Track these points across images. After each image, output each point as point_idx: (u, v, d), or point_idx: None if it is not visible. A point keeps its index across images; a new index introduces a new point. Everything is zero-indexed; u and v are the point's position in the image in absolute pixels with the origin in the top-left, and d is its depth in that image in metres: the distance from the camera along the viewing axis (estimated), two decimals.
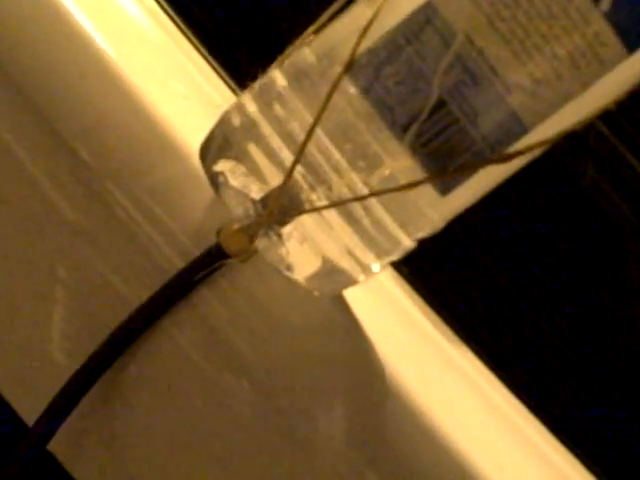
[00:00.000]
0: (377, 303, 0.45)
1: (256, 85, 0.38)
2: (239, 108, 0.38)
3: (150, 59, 0.46)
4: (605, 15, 0.34)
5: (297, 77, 0.37)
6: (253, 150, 0.37)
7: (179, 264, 0.41)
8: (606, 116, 0.36)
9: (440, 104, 0.35)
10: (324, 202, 0.37)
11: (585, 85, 0.35)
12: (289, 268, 0.38)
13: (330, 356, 0.42)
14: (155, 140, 0.42)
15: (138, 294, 0.41)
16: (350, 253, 0.38)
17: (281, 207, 0.37)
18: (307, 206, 0.37)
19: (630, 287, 0.53)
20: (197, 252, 0.40)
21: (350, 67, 0.36)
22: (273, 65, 0.38)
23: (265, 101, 0.37)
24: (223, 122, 0.38)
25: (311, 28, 0.38)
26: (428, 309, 0.50)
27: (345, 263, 0.38)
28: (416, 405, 0.41)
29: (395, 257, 0.38)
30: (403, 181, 0.36)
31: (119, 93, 0.42)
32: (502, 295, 0.53)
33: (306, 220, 0.37)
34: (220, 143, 0.38)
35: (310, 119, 0.36)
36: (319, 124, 0.36)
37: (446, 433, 0.41)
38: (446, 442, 0.41)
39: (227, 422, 0.41)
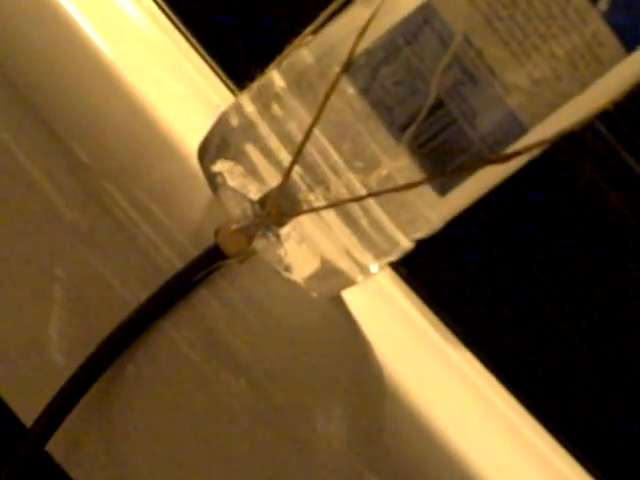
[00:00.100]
0: (375, 303, 0.45)
1: (254, 86, 0.38)
2: (237, 108, 0.38)
3: (148, 59, 0.46)
4: (603, 15, 0.34)
5: (295, 78, 0.37)
6: (251, 150, 0.37)
7: (177, 264, 0.41)
8: (604, 116, 0.36)
9: (438, 104, 0.35)
10: (322, 203, 0.37)
11: (583, 85, 0.35)
12: (287, 269, 0.38)
13: (328, 356, 0.42)
14: (153, 140, 0.42)
15: (136, 294, 0.41)
16: (348, 254, 0.38)
17: (279, 208, 0.37)
18: (305, 207, 0.37)
19: (629, 287, 0.53)
20: (195, 252, 0.40)
21: (348, 67, 0.36)
22: (271, 66, 0.38)
23: (263, 102, 0.37)
24: (221, 123, 0.38)
25: (309, 28, 0.38)
26: (426, 310, 0.50)
27: (343, 264, 0.38)
28: (414, 405, 0.41)
29: (393, 258, 0.38)
30: (401, 182, 0.36)
31: (117, 93, 0.42)
32: (500, 295, 0.53)
33: (304, 221, 0.37)
34: (218, 143, 0.38)
35: (308, 119, 0.36)
36: (317, 124, 0.36)
37: (444, 433, 0.41)
38: (444, 442, 0.41)
39: (225, 422, 0.41)
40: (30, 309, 0.43)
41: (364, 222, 0.37)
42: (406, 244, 0.38)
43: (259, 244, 0.38)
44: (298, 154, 0.36)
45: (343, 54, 0.36)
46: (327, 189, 0.37)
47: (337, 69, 0.36)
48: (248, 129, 0.37)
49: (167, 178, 0.42)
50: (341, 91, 0.36)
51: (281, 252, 0.38)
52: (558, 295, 0.53)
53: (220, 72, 0.51)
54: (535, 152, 0.36)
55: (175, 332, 0.41)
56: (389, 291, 0.48)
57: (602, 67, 0.35)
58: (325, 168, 0.36)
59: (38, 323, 0.43)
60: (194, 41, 0.51)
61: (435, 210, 0.37)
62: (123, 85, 0.42)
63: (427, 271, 0.50)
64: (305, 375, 0.41)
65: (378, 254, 0.38)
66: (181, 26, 0.51)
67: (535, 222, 0.53)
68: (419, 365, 0.44)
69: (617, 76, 0.35)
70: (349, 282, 0.39)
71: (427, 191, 0.36)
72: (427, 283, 0.50)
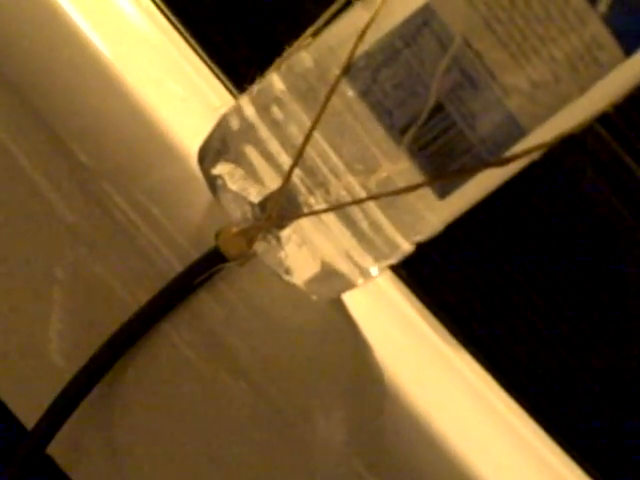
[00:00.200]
0: (375, 306, 0.45)
1: (254, 88, 0.38)
2: (237, 111, 0.38)
3: (148, 61, 0.46)
4: (602, 18, 0.34)
5: (295, 81, 0.37)
6: (251, 153, 0.37)
7: (177, 267, 0.41)
8: (604, 119, 0.36)
9: (438, 107, 0.35)
10: (323, 205, 0.37)
11: (583, 88, 0.35)
12: (288, 272, 0.38)
13: (329, 359, 0.42)
14: (153, 142, 0.42)
15: (136, 296, 0.41)
16: (349, 257, 0.38)
17: (280, 210, 0.37)
18: (305, 209, 0.37)
19: (629, 289, 0.53)
20: (195, 255, 0.40)
21: (348, 70, 0.36)
22: (271, 68, 0.38)
23: (263, 105, 0.37)
24: (221, 125, 0.38)
25: (309, 31, 0.38)
26: (426, 312, 0.50)
27: (344, 267, 0.38)
28: (414, 408, 0.41)
29: (394, 261, 0.38)
30: (401, 184, 0.36)
31: (117, 95, 0.42)
32: (501, 298, 0.53)
33: (305, 223, 0.37)
34: (218, 146, 0.38)
35: (308, 122, 0.36)
36: (317, 127, 0.36)
37: (444, 436, 0.41)
38: (444, 445, 0.41)
39: (226, 424, 0.41)
40: (30, 311, 0.43)
41: (364, 225, 0.37)
42: (406, 247, 0.38)
43: (259, 247, 0.38)
44: (298, 157, 0.36)
45: (343, 57, 0.36)
46: (327, 192, 0.37)
47: (337, 72, 0.36)
48: (248, 132, 0.37)
49: (167, 180, 0.42)
50: (341, 94, 0.36)
51: (281, 255, 0.38)
52: (558, 297, 0.53)
53: (220, 74, 0.51)
54: (535, 155, 0.36)
55: (176, 334, 0.41)
56: (389, 293, 0.48)
57: (601, 70, 0.34)
58: (325, 171, 0.37)
59: (38, 325, 0.43)
60: (194, 43, 0.51)
61: (435, 213, 0.37)
62: (123, 87, 0.42)
63: (427, 273, 0.50)
64: (305, 377, 0.41)
65: (378, 257, 0.38)
66: (181, 28, 0.51)
67: (535, 225, 0.53)
68: (419, 367, 0.44)
69: (616, 79, 0.35)
70: (349, 285, 0.39)
71: (427, 194, 0.36)
72: (427, 285, 0.50)
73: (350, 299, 0.41)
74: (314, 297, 0.40)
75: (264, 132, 0.37)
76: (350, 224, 0.37)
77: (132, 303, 0.41)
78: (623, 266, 0.53)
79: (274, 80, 0.37)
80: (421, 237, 0.38)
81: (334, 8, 0.37)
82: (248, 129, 0.37)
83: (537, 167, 0.37)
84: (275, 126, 0.37)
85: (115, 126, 0.42)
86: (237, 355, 0.41)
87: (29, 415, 0.42)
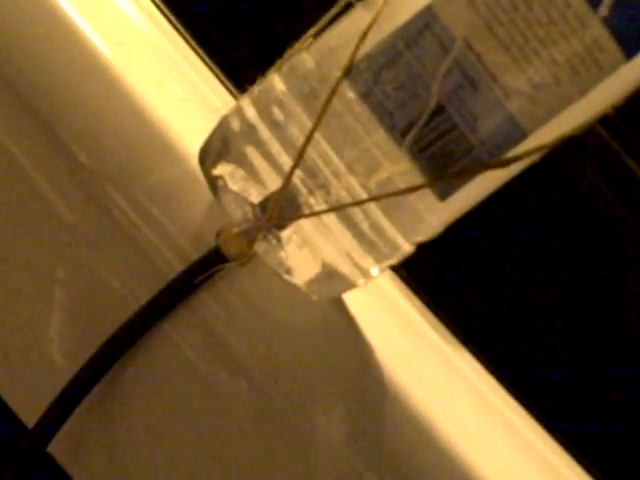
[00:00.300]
0: (375, 305, 0.45)
1: (255, 90, 0.38)
2: (238, 112, 0.38)
3: (148, 61, 0.46)
4: (603, 20, 0.34)
5: (296, 82, 0.37)
6: (252, 154, 0.37)
7: (178, 267, 0.41)
8: (605, 120, 0.36)
9: (439, 109, 0.35)
10: (323, 206, 0.37)
11: (584, 90, 0.35)
12: (288, 272, 0.38)
13: (329, 358, 0.42)
14: (154, 143, 0.42)
15: (137, 296, 0.41)
16: (349, 257, 0.38)
17: (280, 211, 0.37)
18: (306, 210, 0.37)
19: (629, 290, 0.53)
20: (196, 255, 0.40)
21: (349, 72, 0.36)
22: (272, 69, 0.38)
23: (264, 106, 0.37)
24: (222, 126, 0.38)
25: (310, 32, 0.38)
26: (427, 311, 0.50)
27: (344, 267, 0.38)
28: (415, 407, 0.41)
29: (394, 261, 0.38)
30: (402, 186, 0.36)
31: (118, 96, 0.42)
32: (501, 298, 0.53)
33: (305, 224, 0.37)
34: (219, 147, 0.38)
35: (309, 124, 0.36)
36: (318, 128, 0.36)
37: (445, 435, 0.41)
38: (445, 444, 0.41)
39: (226, 424, 0.41)
40: (31, 310, 0.43)
41: (365, 226, 0.37)
42: (407, 248, 0.38)
43: (260, 247, 0.38)
44: (299, 158, 0.36)
45: (344, 58, 0.36)
46: (328, 193, 0.37)
47: (338, 73, 0.36)
48: (249, 133, 0.37)
49: (168, 180, 0.42)
50: (342, 95, 0.36)
51: (282, 255, 0.38)
52: (558, 297, 0.53)
53: (220, 75, 0.51)
54: (535, 157, 0.36)
55: (176, 334, 0.41)
56: (389, 293, 0.48)
57: (602, 72, 0.35)
58: (326, 172, 0.37)
59: (39, 324, 0.43)
60: (194, 43, 0.51)
61: (436, 214, 0.37)
62: (123, 87, 0.42)
63: (427, 273, 0.50)
64: (305, 377, 0.41)
65: (379, 258, 0.38)
66: (181, 28, 0.51)
67: (536, 225, 0.53)
68: (419, 366, 0.44)
69: (617, 81, 0.35)
70: (350, 285, 0.39)
71: (428, 195, 0.36)
72: (427, 285, 0.50)
73: (350, 299, 0.41)
74: (314, 297, 0.40)
75: (265, 133, 0.37)
76: (351, 225, 0.37)
77: (132, 303, 0.41)
78: (624, 267, 0.53)
79: (275, 81, 0.37)
80: (421, 238, 0.38)
81: (335, 9, 0.37)
82: (249, 130, 0.37)
83: (537, 168, 0.37)
84: (276, 127, 0.37)
85: (115, 127, 0.42)
86: (237, 355, 0.41)
87: (30, 414, 0.42)
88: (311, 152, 0.36)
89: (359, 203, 0.37)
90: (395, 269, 0.48)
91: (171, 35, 0.51)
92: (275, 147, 0.37)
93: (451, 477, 0.41)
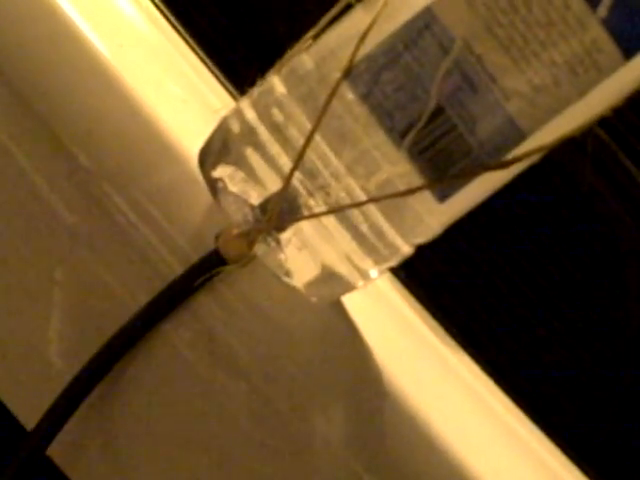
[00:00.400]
0: (374, 308, 0.45)
1: (254, 91, 0.38)
2: (238, 114, 0.38)
3: (148, 62, 0.46)
4: (602, 22, 0.34)
5: (296, 83, 0.37)
6: (252, 156, 0.37)
7: (177, 268, 0.41)
8: (604, 121, 0.36)
9: (438, 111, 0.35)
10: (323, 208, 0.37)
11: (583, 91, 0.35)
12: (288, 274, 0.38)
13: (328, 360, 0.42)
14: (153, 144, 0.42)
15: (136, 298, 0.41)
16: (349, 259, 0.38)
17: (280, 213, 0.37)
18: (306, 212, 0.37)
19: (629, 292, 0.53)
20: (195, 256, 0.40)
21: (349, 73, 0.36)
22: (271, 71, 0.38)
23: (264, 107, 0.37)
24: (222, 128, 0.38)
25: (310, 33, 0.38)
26: (425, 313, 0.50)
27: (344, 269, 0.38)
28: (414, 410, 0.41)
29: (393, 263, 0.38)
30: (401, 187, 0.36)
31: (117, 96, 0.42)
32: (500, 300, 0.53)
33: (305, 226, 0.37)
34: (219, 149, 0.38)
35: (309, 125, 0.36)
36: (318, 130, 0.36)
37: (444, 438, 0.41)
38: (444, 447, 0.41)
39: (225, 425, 0.41)
40: (30, 312, 0.43)
41: (364, 228, 0.37)
42: (406, 250, 0.38)
43: (259, 249, 0.38)
44: (299, 160, 0.36)
45: (343, 59, 0.36)
46: (327, 195, 0.37)
47: (337, 75, 0.36)
48: (249, 135, 0.37)
49: (167, 182, 0.42)
50: (341, 97, 0.36)
51: (281, 257, 0.38)
52: (557, 300, 0.53)
53: (220, 75, 0.51)
54: (534, 158, 0.36)
55: (175, 336, 0.41)
56: (388, 295, 0.48)
57: (601, 73, 0.35)
58: (325, 174, 0.37)
59: (38, 326, 0.43)
60: (194, 44, 0.51)
61: (435, 216, 0.37)
62: (123, 88, 0.42)
63: (426, 275, 0.50)
64: (304, 379, 0.41)
65: (378, 260, 0.38)
66: (181, 29, 0.51)
67: (535, 227, 0.53)
68: (418, 369, 0.44)
69: (616, 83, 0.35)
70: (349, 287, 0.39)
71: (427, 197, 0.36)
72: (426, 287, 0.50)
73: (349, 301, 0.41)
74: (314, 299, 0.40)
75: (265, 135, 0.37)
76: (350, 227, 0.37)
77: (132, 304, 0.41)
78: (623, 269, 0.53)
79: (275, 83, 0.37)
80: (421, 240, 0.38)
81: (335, 11, 0.37)
82: (249, 132, 0.37)
83: (537, 169, 0.37)
84: (276, 129, 0.37)
85: (115, 127, 0.42)
86: (237, 356, 0.41)
87: (29, 416, 0.42)
88: (311, 154, 0.36)
89: (358, 205, 0.37)
90: (394, 271, 0.48)
91: (171, 36, 0.51)
92: (275, 149, 0.37)
93: (449, 478, 0.41)
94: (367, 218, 0.37)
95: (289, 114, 0.37)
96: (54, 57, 0.42)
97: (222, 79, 0.50)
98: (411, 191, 0.36)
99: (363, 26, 0.35)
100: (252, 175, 0.37)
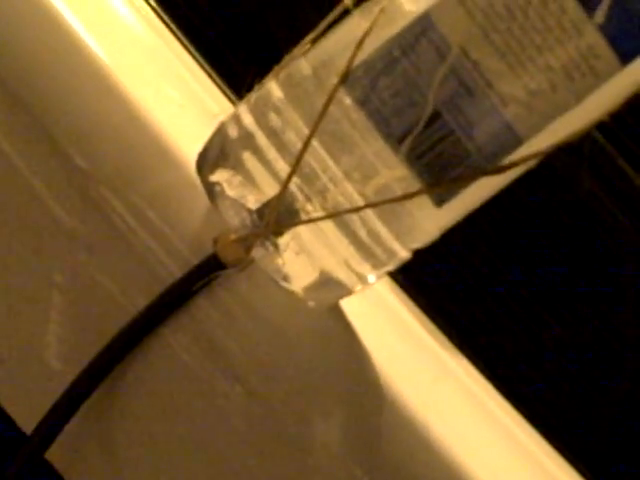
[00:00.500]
0: (372, 311, 0.45)
1: (252, 96, 0.38)
2: (235, 119, 0.38)
3: (147, 67, 0.46)
4: (599, 27, 0.34)
5: (293, 89, 0.37)
6: (250, 161, 0.37)
7: (176, 273, 0.41)
8: (601, 126, 0.36)
9: (435, 116, 0.35)
10: (320, 213, 0.37)
11: (579, 97, 0.35)
12: (286, 278, 0.38)
13: (326, 364, 0.42)
14: (151, 148, 0.42)
15: (134, 302, 0.41)
16: (346, 264, 0.38)
17: (277, 218, 0.37)
18: (303, 217, 0.37)
19: (628, 296, 0.53)
20: (194, 260, 0.40)
21: (346, 78, 0.36)
22: (269, 76, 0.38)
23: (261, 112, 0.37)
24: (219, 133, 0.38)
25: (307, 38, 0.38)
26: (423, 317, 0.50)
27: (341, 274, 0.38)
28: (412, 413, 0.41)
29: (391, 267, 0.39)
30: (399, 192, 0.36)
31: (115, 100, 0.42)
32: (498, 303, 0.53)
33: (302, 231, 0.37)
34: (217, 154, 0.39)
35: (306, 130, 0.36)
36: (315, 135, 0.36)
37: (442, 441, 0.41)
38: (442, 451, 0.41)
39: (223, 429, 0.41)
40: (28, 315, 0.43)
41: (362, 232, 0.37)
42: (404, 254, 0.38)
43: (257, 254, 0.38)
44: (296, 165, 0.36)
45: (341, 65, 0.36)
46: (325, 199, 0.37)
47: (335, 80, 0.36)
48: (246, 140, 0.37)
49: (165, 186, 0.42)
50: (339, 102, 0.36)
51: (279, 262, 0.38)
52: (555, 303, 0.53)
53: (218, 80, 0.51)
54: (532, 163, 0.36)
55: (174, 340, 0.41)
56: (386, 299, 0.48)
57: (597, 79, 0.35)
58: (323, 178, 0.37)
59: (37, 329, 0.43)
60: (191, 49, 0.51)
61: (432, 220, 0.37)
62: (121, 92, 0.42)
63: (424, 279, 0.50)
64: (303, 383, 0.41)
65: (376, 264, 0.38)
66: (178, 33, 0.51)
67: (532, 231, 0.53)
68: (416, 372, 0.44)
69: (612, 88, 0.35)
70: (347, 292, 0.39)
71: (425, 201, 0.36)
72: (424, 290, 0.50)
73: (347, 304, 0.41)
74: (312, 304, 0.40)
75: (262, 140, 0.37)
76: (348, 231, 0.37)
77: (131, 308, 0.41)
78: (621, 272, 0.53)
79: (272, 88, 0.37)
80: (418, 244, 0.38)
81: (332, 16, 0.37)
82: (246, 137, 0.37)
83: (534, 174, 0.37)
84: (273, 134, 0.37)
85: (113, 132, 0.42)
86: (235, 360, 0.41)
87: (28, 420, 0.42)
88: (308, 159, 0.36)
89: (356, 210, 0.37)
90: (392, 275, 0.48)
91: (169, 40, 0.51)
92: (272, 154, 0.37)
93: None
94: (365, 223, 0.37)
95: (287, 119, 0.37)
96: (53, 62, 0.43)
97: (220, 83, 0.50)
98: (409, 196, 0.36)
99: (360, 32, 0.35)
100: (250, 180, 0.38)
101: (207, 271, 0.40)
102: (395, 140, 0.36)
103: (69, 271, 0.42)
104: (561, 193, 0.52)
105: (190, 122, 0.44)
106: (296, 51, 0.37)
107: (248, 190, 0.38)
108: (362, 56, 0.36)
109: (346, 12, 0.37)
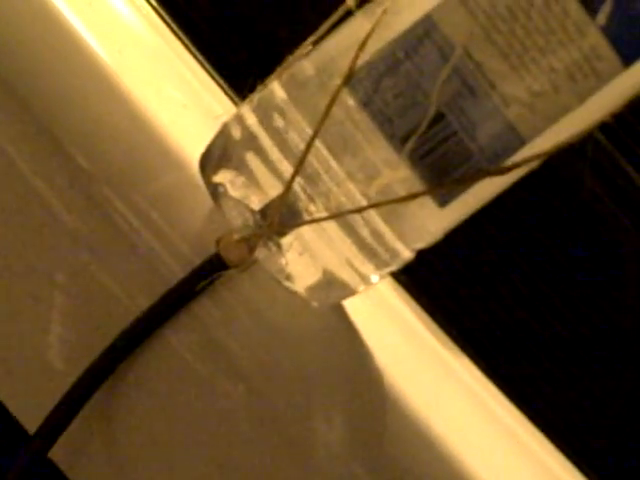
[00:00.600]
0: (375, 311, 0.45)
1: (255, 97, 0.38)
2: (239, 120, 0.38)
3: (149, 67, 0.46)
4: (601, 29, 0.34)
5: (296, 89, 0.37)
6: (253, 161, 0.37)
7: (179, 273, 0.41)
8: (604, 126, 0.36)
9: (438, 117, 0.35)
10: (323, 213, 0.37)
11: (582, 98, 0.35)
12: (289, 278, 0.38)
13: (329, 364, 0.42)
14: (154, 148, 0.42)
15: (137, 302, 0.41)
16: (349, 264, 0.38)
17: (280, 218, 0.37)
18: (306, 217, 0.37)
19: (629, 296, 0.53)
20: (197, 261, 0.40)
21: (349, 79, 0.36)
22: (272, 77, 0.38)
23: (264, 113, 0.37)
24: (223, 134, 0.38)
25: (310, 39, 0.38)
26: (426, 317, 0.50)
27: (345, 274, 0.38)
28: (414, 413, 0.41)
29: (394, 268, 0.39)
30: (402, 193, 0.36)
31: (117, 101, 0.42)
32: (501, 304, 0.53)
33: (305, 231, 0.37)
34: (220, 154, 0.39)
35: (309, 131, 0.36)
36: (318, 136, 0.36)
37: (444, 441, 0.41)
38: (444, 450, 0.41)
39: (225, 429, 0.42)
40: (31, 316, 0.43)
41: (365, 233, 0.37)
42: (407, 254, 0.38)
43: (260, 254, 0.38)
44: (299, 165, 0.36)
45: (344, 66, 0.36)
46: (328, 200, 0.37)
47: (338, 81, 0.36)
48: (250, 140, 0.37)
49: (168, 186, 0.42)
50: (342, 103, 0.36)
51: (282, 262, 0.38)
52: (558, 304, 0.53)
53: (220, 80, 0.51)
54: (534, 164, 0.36)
55: (176, 340, 0.41)
56: (389, 299, 0.48)
57: (600, 80, 0.35)
58: (326, 179, 0.37)
59: (39, 330, 0.43)
60: (194, 49, 0.51)
61: (435, 221, 0.37)
62: (124, 93, 0.42)
63: (427, 279, 0.50)
64: (305, 382, 0.41)
65: (379, 264, 0.38)
66: (181, 34, 0.51)
67: (535, 232, 0.53)
68: (418, 372, 0.44)
69: (615, 89, 0.35)
70: (350, 292, 0.39)
71: (427, 202, 0.37)
72: (427, 291, 0.50)
73: (350, 304, 0.41)
74: (315, 304, 0.40)
75: (265, 140, 0.37)
76: (351, 232, 0.37)
77: (133, 308, 0.41)
78: (623, 273, 0.53)
79: (275, 89, 0.37)
80: (421, 244, 0.38)
81: (335, 17, 0.37)
82: (249, 137, 0.37)
83: (537, 175, 0.37)
84: (276, 134, 0.37)
85: (116, 132, 0.42)
86: (238, 360, 0.41)
87: (31, 419, 0.42)
88: (311, 159, 0.36)
89: (359, 210, 0.37)
90: (395, 275, 0.48)
91: (171, 41, 0.51)
92: (275, 154, 0.37)
93: None
94: (368, 223, 0.37)
95: (290, 120, 0.37)
96: (55, 63, 0.43)
97: (223, 84, 0.50)
98: (412, 196, 0.36)
99: (363, 33, 0.36)
100: (253, 180, 0.38)
101: (210, 271, 0.40)
102: (398, 141, 0.36)
103: (71, 271, 0.42)
104: (563, 194, 0.52)
105: (193, 123, 0.44)
106: (299, 52, 0.38)
107: (251, 191, 0.38)
108: (365, 57, 0.36)
109: (349, 13, 0.37)
